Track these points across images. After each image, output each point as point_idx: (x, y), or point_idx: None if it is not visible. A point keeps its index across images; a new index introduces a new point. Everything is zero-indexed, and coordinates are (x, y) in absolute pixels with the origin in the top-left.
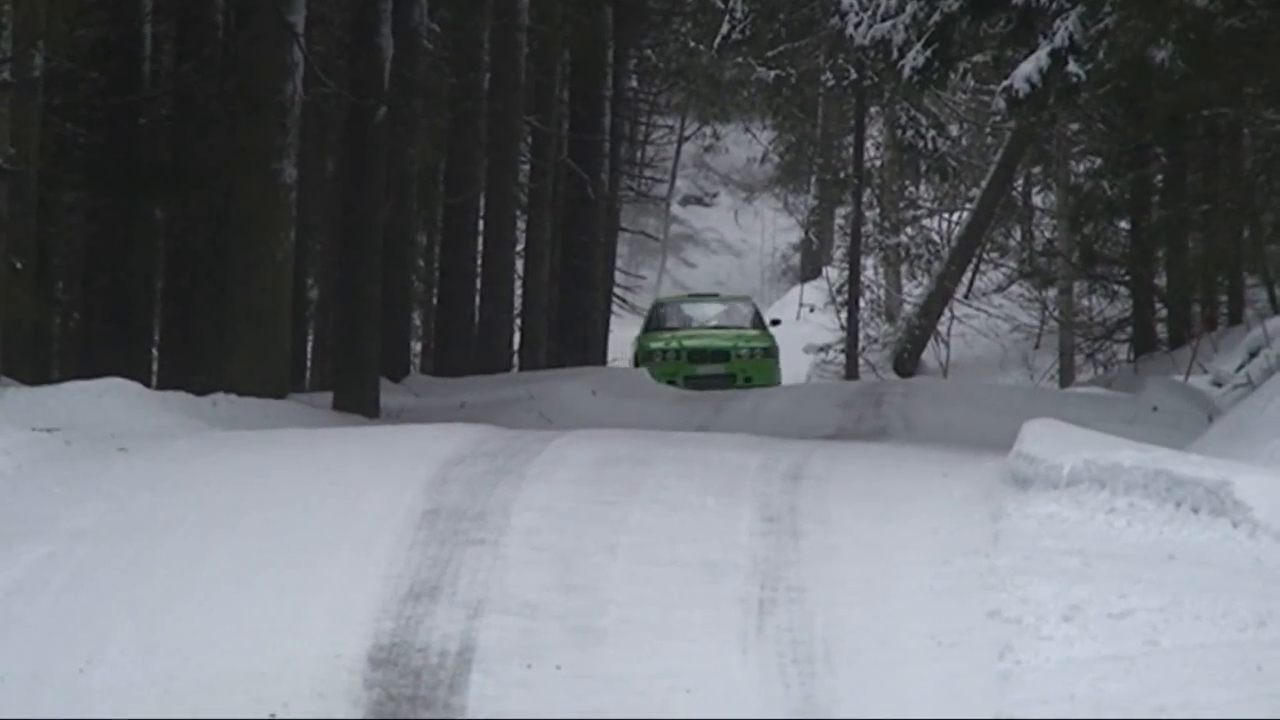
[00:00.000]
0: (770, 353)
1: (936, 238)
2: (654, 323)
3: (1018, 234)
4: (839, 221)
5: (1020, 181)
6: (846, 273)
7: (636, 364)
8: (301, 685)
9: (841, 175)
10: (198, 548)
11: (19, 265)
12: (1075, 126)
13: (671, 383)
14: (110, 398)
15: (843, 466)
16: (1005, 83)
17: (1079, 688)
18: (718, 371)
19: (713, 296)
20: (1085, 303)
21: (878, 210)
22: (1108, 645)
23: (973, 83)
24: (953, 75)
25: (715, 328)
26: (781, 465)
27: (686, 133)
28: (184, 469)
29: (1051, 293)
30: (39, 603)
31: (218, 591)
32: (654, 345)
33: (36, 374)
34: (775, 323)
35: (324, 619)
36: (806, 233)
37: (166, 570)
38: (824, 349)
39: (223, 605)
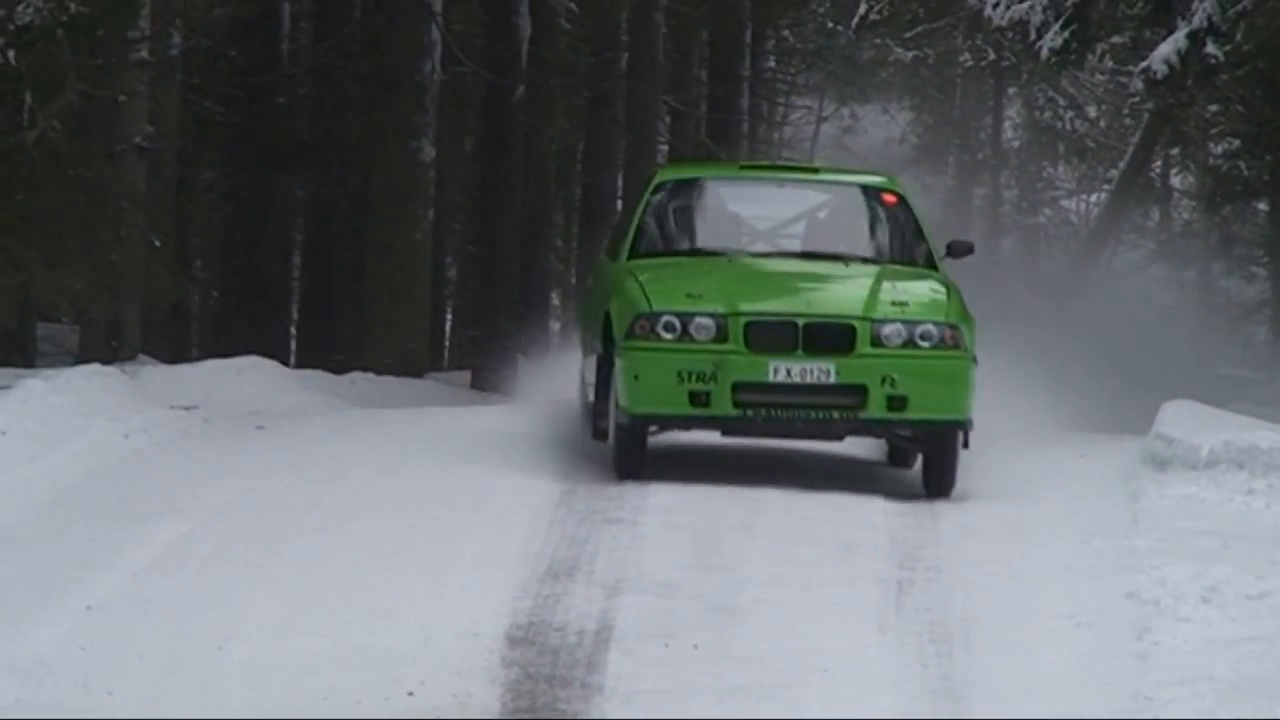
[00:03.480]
0: (955, 335)
1: (1074, 219)
2: (648, 230)
3: (1155, 215)
4: (976, 202)
5: (1158, 163)
6: None
7: (607, 342)
8: (439, 663)
9: (979, 156)
10: (335, 526)
11: (157, 243)
12: (1214, 108)
13: (699, 401)
14: (248, 376)
15: (979, 446)
16: (1143, 64)
17: (1218, 669)
18: (822, 381)
19: (806, 171)
20: (1223, 284)
21: (1015, 191)
22: (1246, 626)
23: (1110, 64)
24: (1090, 56)
25: (813, 256)
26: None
27: (825, 113)
28: (322, 448)
29: (1189, 274)
30: (178, 580)
31: (354, 569)
32: (654, 302)
33: (175, 352)
34: (960, 249)
35: (461, 597)
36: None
37: (303, 549)
38: None
39: (359, 583)
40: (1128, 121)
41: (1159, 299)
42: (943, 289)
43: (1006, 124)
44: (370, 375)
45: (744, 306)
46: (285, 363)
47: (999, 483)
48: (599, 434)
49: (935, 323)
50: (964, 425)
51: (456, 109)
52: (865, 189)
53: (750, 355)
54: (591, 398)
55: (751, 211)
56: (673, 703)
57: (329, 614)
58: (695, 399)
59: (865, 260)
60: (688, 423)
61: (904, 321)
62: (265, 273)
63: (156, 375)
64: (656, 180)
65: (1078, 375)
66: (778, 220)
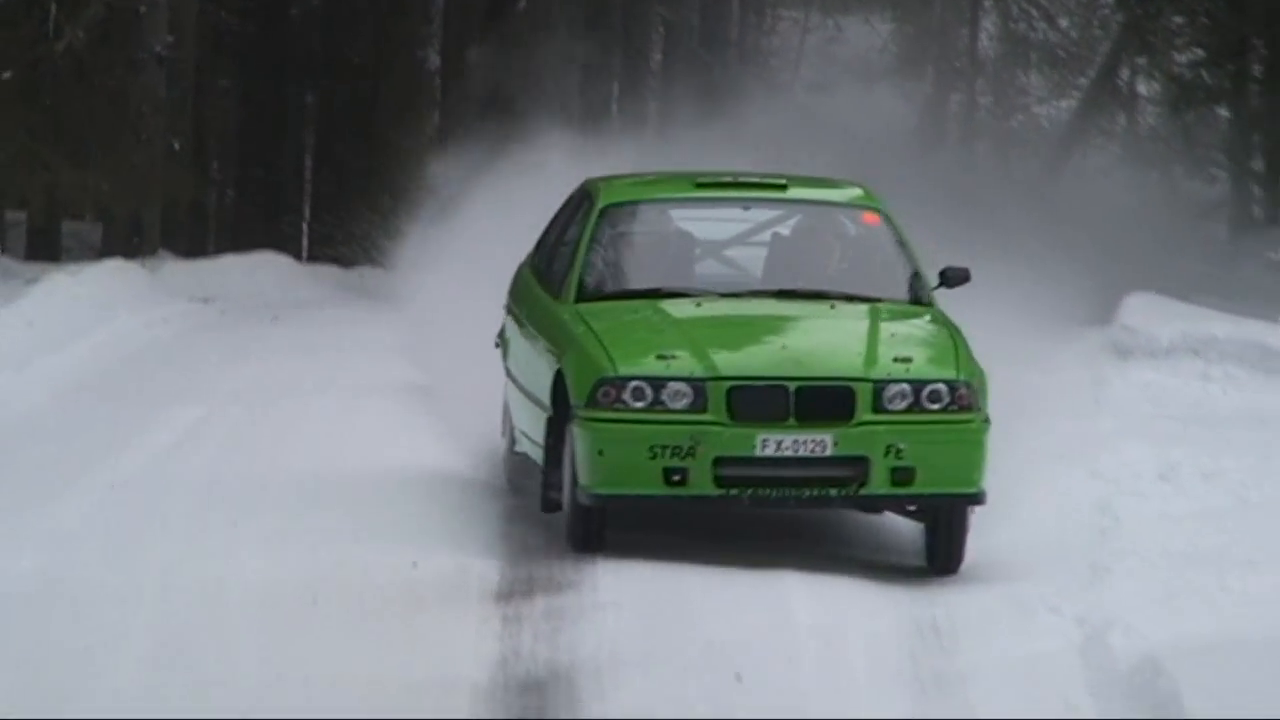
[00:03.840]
0: (967, 395)
1: (1046, 124)
2: (598, 265)
3: (1122, 120)
4: (953, 109)
5: (1125, 71)
6: None
7: (558, 402)
8: (441, 538)
9: (956, 65)
10: (345, 409)
11: (176, 146)
12: (1179, 19)
13: (675, 480)
14: (262, 270)
15: None
16: None
17: (1173, 542)
18: (818, 454)
19: (773, 189)
20: (1185, 185)
21: (990, 98)
22: (1201, 502)
23: None
24: None
25: (793, 294)
26: None
27: (810, 25)
28: (332, 336)
29: (1153, 176)
30: (196, 460)
31: (363, 451)
32: (620, 363)
33: (193, 248)
34: (956, 278)
35: (463, 475)
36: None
37: (314, 431)
38: None
39: (369, 462)
40: (1097, 32)
41: (1124, 199)
42: (947, 335)
43: (982, 34)
44: (379, 270)
45: (724, 368)
46: (297, 258)
47: None
48: (549, 506)
49: (946, 381)
50: (977, 498)
51: (461, 20)
52: (843, 208)
53: (734, 426)
54: (519, 449)
55: (719, 232)
56: (669, 576)
57: (338, 492)
58: (671, 477)
59: (851, 298)
60: (661, 503)
61: (910, 381)
62: (279, 174)
63: (175, 269)
64: (601, 204)
65: (1047, 270)
66: (742, 226)
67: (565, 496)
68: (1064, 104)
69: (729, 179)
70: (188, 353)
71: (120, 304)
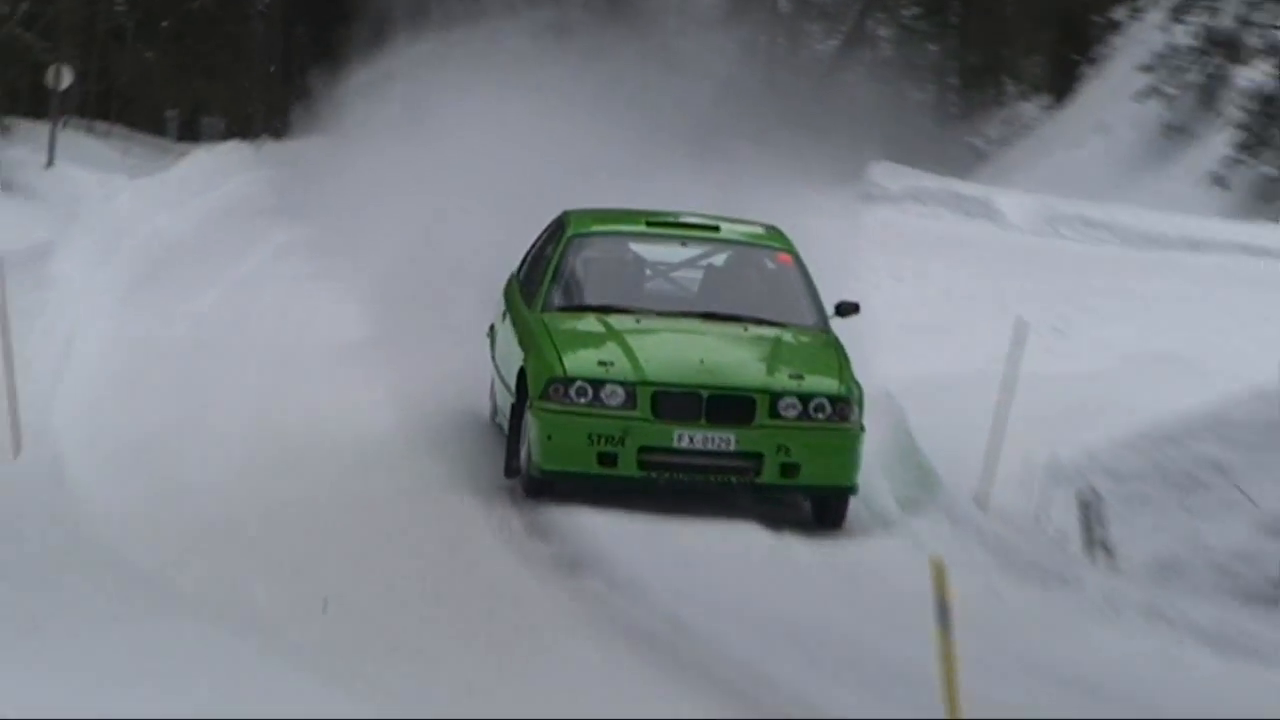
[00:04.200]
0: (845, 408)
1: (821, 59)
2: (562, 282)
3: (869, 53)
4: (762, 46)
5: (870, 21)
6: None
7: (520, 392)
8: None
9: (763, 17)
10: (383, 236)
11: (272, 69)
12: None
13: (607, 462)
14: (324, 147)
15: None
16: None
17: (899, 319)
18: (722, 449)
19: (707, 229)
20: (911, 95)
21: (784, 41)
22: (919, 292)
23: None
24: None
25: (714, 317)
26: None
27: None
28: (370, 177)
29: (889, 88)
30: (284, 269)
31: (393, 263)
32: (568, 366)
33: (282, 133)
34: (847, 309)
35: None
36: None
37: (358, 254)
38: None
39: (397, 272)
40: None
41: (870, 104)
42: (835, 356)
43: None
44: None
45: (651, 375)
46: (346, 139)
47: (755, 213)
48: (511, 472)
49: (829, 396)
50: (852, 491)
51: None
52: (762, 249)
53: (657, 423)
54: (497, 420)
55: (665, 261)
56: None
57: (376, 296)
58: (603, 460)
59: (762, 322)
60: (595, 480)
61: (799, 395)
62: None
63: (271, 147)
64: (570, 233)
65: (818, 149)
66: (682, 258)
67: (522, 466)
68: (831, 43)
69: (673, 220)
70: (280, 197)
71: (237, 168)
